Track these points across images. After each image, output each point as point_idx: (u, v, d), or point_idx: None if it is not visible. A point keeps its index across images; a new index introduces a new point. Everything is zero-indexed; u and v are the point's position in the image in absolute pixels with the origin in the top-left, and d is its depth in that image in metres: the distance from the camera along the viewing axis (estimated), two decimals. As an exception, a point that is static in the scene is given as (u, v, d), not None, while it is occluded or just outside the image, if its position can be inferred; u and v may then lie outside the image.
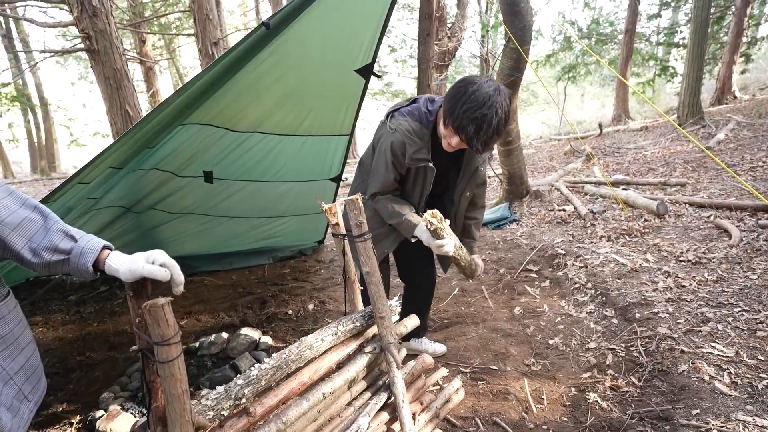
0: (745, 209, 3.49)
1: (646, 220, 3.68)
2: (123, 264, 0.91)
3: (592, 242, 3.49)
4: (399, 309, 1.58)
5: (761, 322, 2.16)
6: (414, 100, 1.73)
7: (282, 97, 2.60)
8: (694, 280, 2.64)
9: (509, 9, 3.55)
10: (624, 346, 2.23)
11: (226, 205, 3.41)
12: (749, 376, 1.82)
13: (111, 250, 0.96)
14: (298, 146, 3.02)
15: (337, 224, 1.45)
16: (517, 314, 2.74)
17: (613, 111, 13.32)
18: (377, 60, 2.64)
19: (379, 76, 2.80)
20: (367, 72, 2.60)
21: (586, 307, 2.68)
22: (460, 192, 1.86)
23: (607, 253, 3.20)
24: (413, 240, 1.69)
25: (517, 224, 4.29)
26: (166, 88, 19.61)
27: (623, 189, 4.52)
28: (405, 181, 1.78)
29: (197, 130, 2.58)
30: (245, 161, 3.04)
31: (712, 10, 11.16)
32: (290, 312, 3.01)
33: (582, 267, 3.11)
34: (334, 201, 3.88)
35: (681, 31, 15.83)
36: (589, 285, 2.87)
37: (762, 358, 1.91)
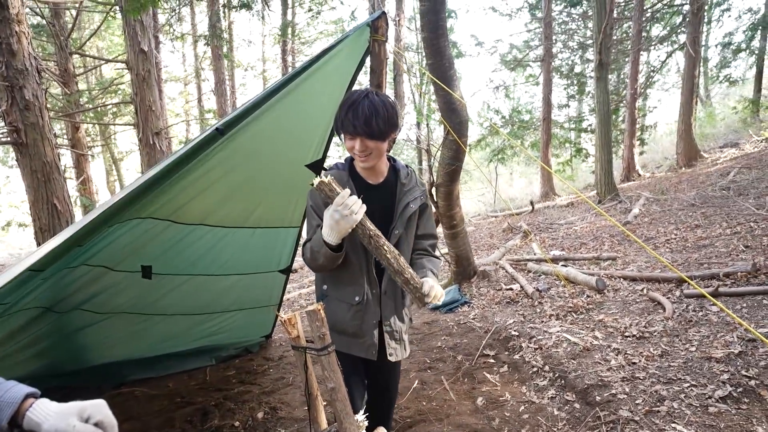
0: (671, 281, 3.78)
1: (588, 296, 3.86)
2: (48, 419, 0.73)
3: (542, 321, 3.57)
4: (366, 423, 1.46)
5: (710, 397, 2.24)
6: None
7: (230, 190, 2.55)
8: (642, 356, 2.73)
9: (446, 107, 3.88)
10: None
11: (166, 302, 3.15)
12: (713, 457, 1.84)
13: (36, 398, 0.79)
14: (246, 238, 2.92)
15: (297, 337, 1.36)
16: (480, 406, 2.65)
17: (541, 188, 14.52)
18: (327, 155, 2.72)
19: (328, 170, 2.86)
20: (317, 167, 2.65)
21: (547, 392, 2.65)
22: (396, 238, 1.57)
23: (558, 332, 3.27)
24: (333, 243, 1.42)
25: (469, 306, 4.32)
26: (98, 174, 18.77)
27: (563, 265, 4.77)
28: None
29: (137, 224, 2.43)
30: (189, 255, 2.87)
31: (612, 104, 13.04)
32: (237, 424, 2.70)
33: (537, 348, 3.14)
34: (282, 293, 3.72)
35: (587, 119, 18.09)
36: (547, 368, 2.88)
37: (719, 437, 1.95)
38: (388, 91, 12.29)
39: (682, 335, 2.92)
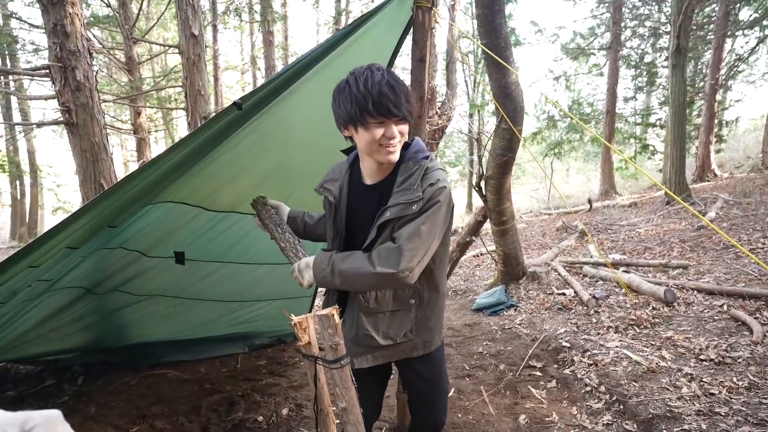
0: (760, 298, 3.26)
1: (654, 308, 3.42)
2: None
3: (598, 334, 3.19)
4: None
5: (812, 446, 1.83)
6: None
7: (262, 177, 2.42)
8: (724, 387, 2.32)
9: (501, 92, 3.55)
10: (654, 473, 1.87)
11: (199, 288, 3.11)
12: None
13: None
14: (278, 228, 2.79)
15: (309, 343, 1.17)
16: (522, 424, 2.37)
17: (600, 186, 13.59)
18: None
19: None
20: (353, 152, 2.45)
21: (602, 417, 2.32)
22: (368, 242, 1.30)
23: (617, 347, 2.90)
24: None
25: (515, 310, 3.99)
26: (159, 158, 19.78)
27: (624, 271, 4.30)
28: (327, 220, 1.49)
29: (169, 209, 2.37)
30: (220, 242, 2.79)
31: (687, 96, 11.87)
32: (261, 419, 2.59)
33: (591, 364, 2.79)
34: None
35: (656, 113, 16.72)
36: (603, 388, 2.54)
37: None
38: (439, 80, 11.90)
39: (774, 364, 2.47)
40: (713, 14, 13.52)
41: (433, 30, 1.85)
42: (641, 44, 17.99)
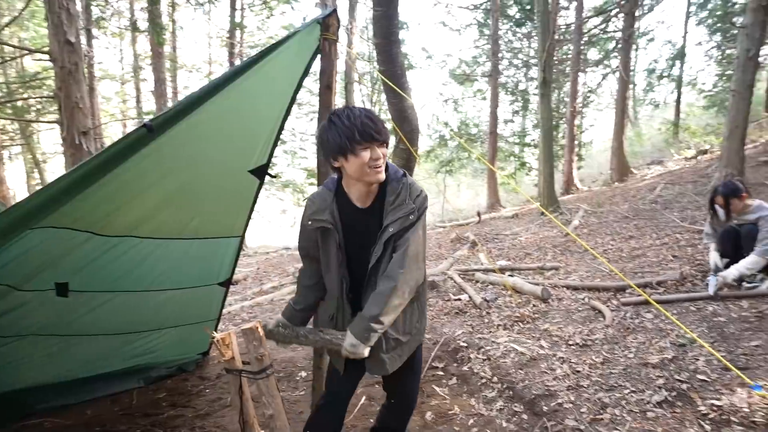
0: (609, 290, 3.95)
1: (534, 306, 3.94)
2: None
3: (490, 332, 3.58)
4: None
5: (648, 402, 2.30)
6: None
7: (164, 198, 2.33)
8: (586, 364, 2.79)
9: (398, 115, 3.85)
10: (538, 445, 2.19)
11: (85, 322, 2.81)
12: (654, 465, 1.87)
13: None
14: (182, 250, 2.69)
15: (232, 358, 1.21)
16: (429, 420, 2.58)
17: (487, 200, 14.96)
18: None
19: (274, 176, 2.71)
20: (261, 172, 2.49)
21: (496, 404, 2.63)
22: (374, 261, 1.50)
23: (506, 342, 3.28)
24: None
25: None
26: (18, 177, 17.10)
27: (509, 275, 4.86)
28: (321, 253, 1.59)
29: (51, 234, 2.14)
30: (114, 269, 2.59)
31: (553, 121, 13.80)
32: (166, 453, 2.45)
33: (485, 359, 3.13)
34: (222, 307, 3.48)
35: (530, 134, 18.96)
36: (495, 379, 2.87)
37: (659, 443, 1.99)
38: (339, 100, 12.22)
39: (621, 342, 3.02)
40: (570, 53, 15.85)
41: (337, 60, 2.02)
42: (516, 73, 20.39)
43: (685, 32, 19.28)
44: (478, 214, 10.39)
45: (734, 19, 13.23)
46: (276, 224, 17.94)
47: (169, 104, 11.84)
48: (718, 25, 17.89)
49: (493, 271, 5.01)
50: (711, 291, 3.32)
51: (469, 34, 19.84)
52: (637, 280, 3.94)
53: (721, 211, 3.46)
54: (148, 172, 2.07)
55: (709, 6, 18.34)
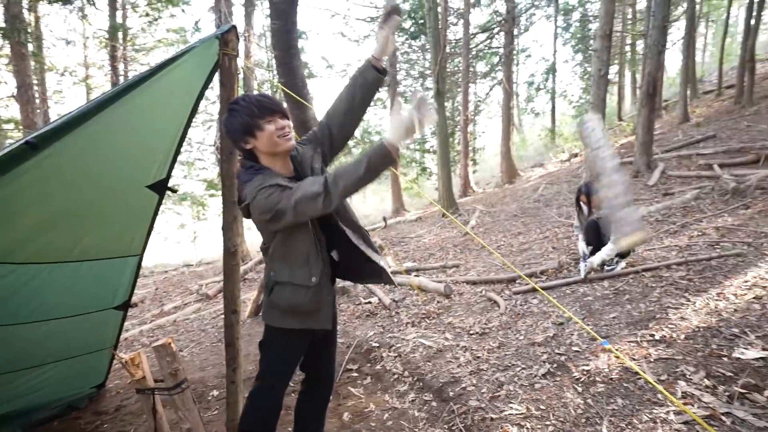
0: (503, 281, 4.40)
1: (438, 302, 4.24)
2: None
3: (400, 330, 3.79)
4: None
5: (535, 376, 2.65)
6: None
7: (47, 219, 2.13)
8: (485, 350, 3.10)
9: (301, 126, 3.91)
10: (447, 427, 2.40)
11: (-54, 365, 2.45)
12: (539, 426, 2.18)
13: None
14: (69, 275, 2.46)
15: (143, 378, 1.20)
16: (346, 421, 2.67)
17: (392, 205, 15.48)
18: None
19: (174, 191, 2.61)
20: (161, 187, 2.40)
21: (408, 396, 2.81)
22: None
23: (414, 338, 3.51)
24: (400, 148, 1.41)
25: (331, 322, 4.35)
26: None
27: (415, 275, 5.15)
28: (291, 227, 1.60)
29: None
30: (-17, 301, 2.30)
31: (448, 128, 14.78)
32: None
33: (396, 356, 3.31)
34: (119, 333, 3.22)
35: (429, 141, 20.03)
36: (406, 373, 3.06)
37: (543, 407, 2.32)
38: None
39: (513, 327, 3.41)
40: (461, 65, 17.11)
41: (238, 75, 2.04)
42: (413, 83, 21.46)
43: (555, 50, 21.89)
44: (384, 220, 10.75)
45: (590, 43, 15.42)
46: (174, 240, 16.70)
47: (39, 111, 10.47)
48: (579, 46, 20.68)
49: (400, 272, 5.27)
50: (582, 275, 3.89)
51: (368, 44, 20.40)
52: (525, 271, 4.45)
53: (585, 207, 4.08)
54: (26, 190, 1.89)
55: (571, 30, 21.15)
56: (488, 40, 18.74)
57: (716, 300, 3.04)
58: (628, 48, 19.87)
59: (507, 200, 10.01)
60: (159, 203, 2.53)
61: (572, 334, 3.05)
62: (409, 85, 21.15)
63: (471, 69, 19.52)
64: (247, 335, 4.36)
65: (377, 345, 3.58)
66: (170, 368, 1.14)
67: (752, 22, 12.22)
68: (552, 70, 21.40)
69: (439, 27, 10.13)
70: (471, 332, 3.45)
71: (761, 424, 1.88)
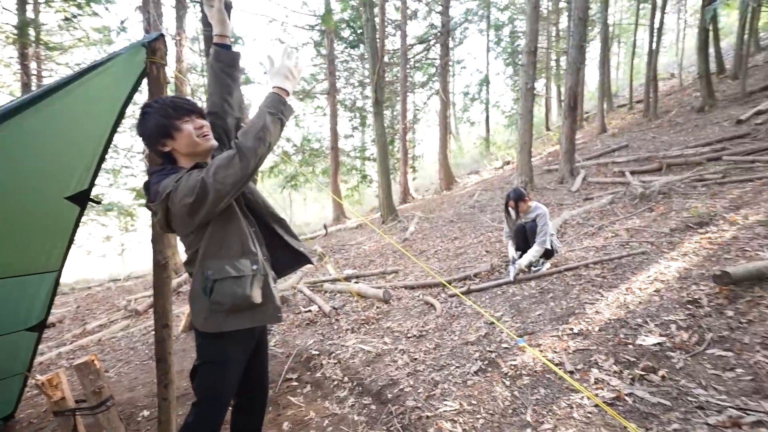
0: (438, 285, 4.57)
1: (377, 307, 4.32)
2: None
3: (339, 337, 3.82)
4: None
5: (468, 373, 2.80)
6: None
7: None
8: (422, 352, 3.22)
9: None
10: (385, 428, 2.46)
11: None
12: (470, 420, 2.31)
13: None
14: (-26, 294, 2.25)
15: (63, 399, 1.15)
16: (286, 430, 2.66)
17: (333, 212, 15.45)
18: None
19: (98, 202, 2.48)
20: (82, 199, 2.27)
21: (348, 402, 2.85)
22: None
23: (354, 344, 3.56)
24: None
25: (270, 333, 4.28)
26: None
27: (355, 282, 5.21)
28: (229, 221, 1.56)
29: None
30: None
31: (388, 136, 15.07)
32: None
33: (336, 363, 3.34)
34: (33, 356, 2.97)
35: (369, 149, 20.25)
36: (346, 379, 3.10)
37: (474, 402, 2.46)
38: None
39: (448, 328, 3.56)
40: (399, 75, 17.49)
41: (167, 84, 2.00)
42: (353, 91, 21.61)
43: (488, 63, 22.99)
44: (325, 227, 10.72)
45: (519, 58, 16.43)
46: (99, 254, 15.50)
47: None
48: (509, 60, 21.94)
49: (339, 280, 5.30)
50: (511, 277, 4.15)
51: (307, 52, 20.30)
52: (460, 274, 4.65)
53: (513, 213, 4.35)
54: None
55: (502, 45, 22.39)
56: (425, 51, 19.37)
57: (625, 294, 3.38)
58: (553, 63, 21.39)
59: (445, 206, 10.37)
60: (80, 215, 2.39)
61: (502, 332, 3.24)
62: (350, 94, 21.30)
63: (409, 79, 20.04)
64: (180, 350, 4.18)
65: (317, 353, 3.58)
66: (94, 386, 1.11)
67: (654, 45, 13.64)
68: (485, 81, 22.50)
69: (377, 37, 10.35)
70: (409, 335, 3.56)
71: (655, 400, 2.13)
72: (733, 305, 2.84)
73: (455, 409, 2.43)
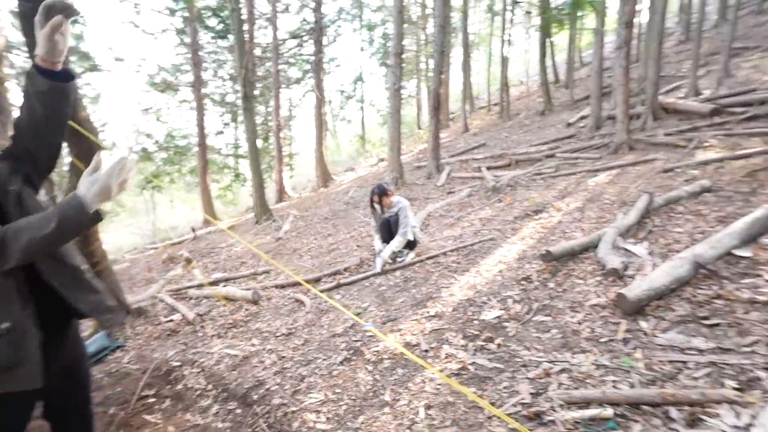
0: (309, 282, 4.59)
1: (246, 309, 4.18)
2: None
3: (204, 344, 3.61)
4: None
5: (334, 364, 2.88)
6: None
7: None
8: (290, 349, 3.21)
9: (71, 129, 3.35)
10: (250, 430, 2.41)
11: None
12: (334, 408, 2.39)
13: None
14: None
15: None
16: (139, 452, 2.44)
17: (203, 215, 14.44)
18: None
19: None
20: None
21: (212, 410, 2.72)
22: None
23: (220, 350, 3.40)
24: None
25: (123, 350, 3.86)
26: None
27: (223, 285, 4.96)
28: None
29: None
30: None
31: (260, 131, 14.55)
32: None
33: (200, 372, 3.16)
34: None
35: (243, 146, 19.34)
36: (210, 387, 2.95)
37: (338, 391, 2.54)
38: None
39: (317, 323, 3.61)
40: (272, 70, 16.98)
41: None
42: (223, 85, 20.34)
43: (362, 62, 23.62)
44: (193, 230, 9.97)
45: (388, 60, 17.18)
46: None
47: None
48: (382, 60, 22.80)
49: (205, 285, 5.01)
50: (378, 269, 4.35)
51: (167, 39, 18.50)
52: (330, 269, 4.73)
53: (377, 207, 4.57)
54: None
55: (375, 45, 23.18)
56: (299, 47, 19.11)
57: (474, 277, 3.80)
58: (423, 66, 22.82)
59: (321, 204, 10.41)
60: None
61: (367, 322, 3.40)
62: (219, 87, 20.01)
63: (283, 74, 19.60)
64: None
65: (179, 363, 3.34)
66: None
67: (505, 55, 15.44)
68: (359, 79, 23.08)
69: (244, 29, 9.90)
70: (278, 334, 3.52)
71: (492, 365, 2.45)
72: (554, 278, 3.38)
73: (320, 400, 2.49)
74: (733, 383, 1.96)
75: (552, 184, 6.77)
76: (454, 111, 20.88)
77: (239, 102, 19.82)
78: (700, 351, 2.25)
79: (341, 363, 2.87)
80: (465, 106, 16.88)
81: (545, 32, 15.06)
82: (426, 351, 2.77)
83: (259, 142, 19.70)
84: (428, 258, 4.49)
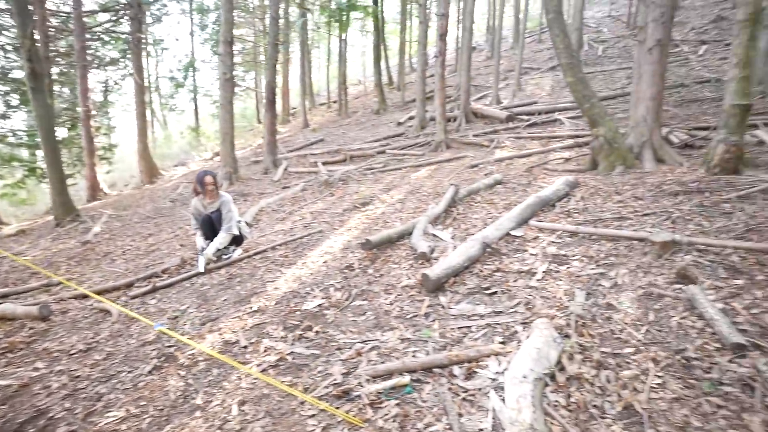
0: (119, 288, 4.07)
1: (31, 328, 3.49)
2: None
3: (-36, 377, 2.90)
4: None
5: (141, 375, 2.62)
6: None
7: None
8: (87, 366, 2.80)
9: None
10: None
11: None
12: (136, 423, 2.17)
13: None
14: None
15: None
16: None
17: (-19, 218, 11.50)
18: None
19: None
20: None
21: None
22: None
23: (-14, 381, 2.77)
24: None
25: None
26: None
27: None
28: None
29: None
30: None
31: (65, 117, 12.19)
32: None
33: (-46, 412, 2.52)
34: None
35: (37, 136, 15.96)
36: (-32, 428, 2.39)
37: (144, 403, 2.32)
38: None
39: (125, 333, 3.22)
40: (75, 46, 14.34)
41: None
42: (5, 57, 16.37)
43: (193, 48, 21.63)
44: (-36, 238, 7.87)
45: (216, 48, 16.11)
46: None
47: None
48: (215, 48, 21.25)
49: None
50: (201, 268, 4.08)
51: None
52: (146, 273, 4.26)
53: (198, 204, 4.28)
54: None
55: (208, 31, 21.46)
56: (113, 23, 16.56)
57: (300, 269, 3.85)
58: (262, 58, 21.97)
59: (144, 201, 9.28)
60: None
61: (185, 325, 3.17)
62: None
63: (93, 52, 16.76)
64: None
65: None
66: None
67: (342, 55, 15.93)
68: (191, 66, 21.13)
69: (29, -8, 8.12)
70: (72, 352, 3.03)
71: (309, 352, 2.53)
72: (373, 265, 3.65)
73: (119, 417, 2.24)
74: (499, 338, 2.40)
75: (380, 178, 7.27)
76: (295, 106, 20.71)
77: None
78: (481, 316, 2.69)
79: (150, 372, 2.62)
80: (305, 102, 16.92)
81: (377, 36, 16.03)
82: (245, 347, 2.71)
83: (64, 131, 16.54)
84: (256, 253, 4.39)
